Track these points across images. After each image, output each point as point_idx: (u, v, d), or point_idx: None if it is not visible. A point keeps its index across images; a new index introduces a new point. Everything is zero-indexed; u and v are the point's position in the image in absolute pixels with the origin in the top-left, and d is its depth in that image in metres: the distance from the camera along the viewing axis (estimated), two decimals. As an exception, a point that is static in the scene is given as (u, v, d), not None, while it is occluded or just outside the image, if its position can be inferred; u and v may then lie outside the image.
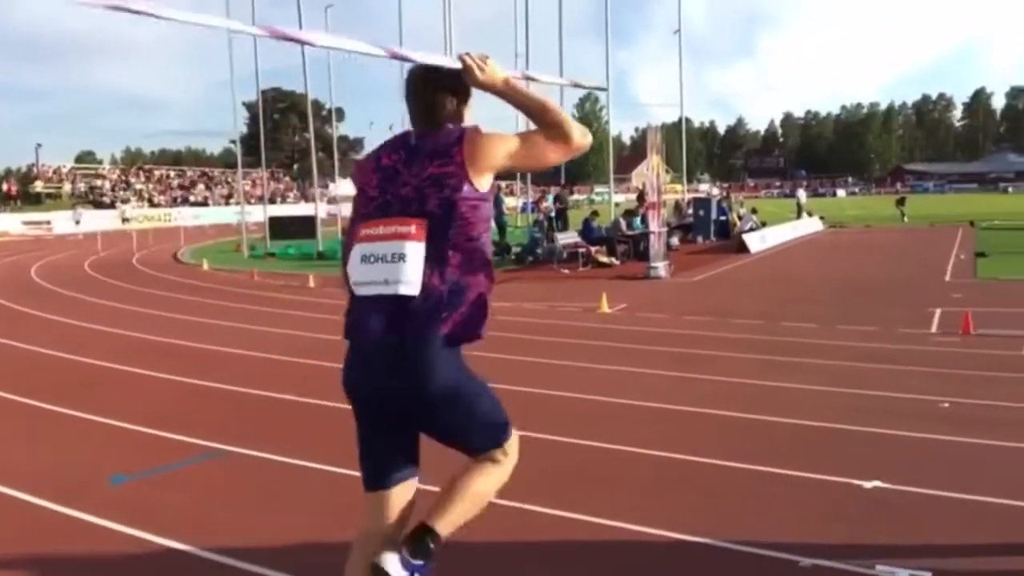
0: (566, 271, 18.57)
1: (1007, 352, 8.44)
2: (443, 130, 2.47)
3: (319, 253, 24.48)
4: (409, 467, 2.65)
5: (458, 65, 2.45)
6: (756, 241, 23.68)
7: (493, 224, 29.47)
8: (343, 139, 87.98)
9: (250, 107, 64.76)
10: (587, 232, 20.85)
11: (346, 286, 2.49)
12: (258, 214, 35.59)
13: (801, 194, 39.70)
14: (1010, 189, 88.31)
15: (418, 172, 2.39)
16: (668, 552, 3.82)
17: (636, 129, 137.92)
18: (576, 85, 3.81)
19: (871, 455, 5.12)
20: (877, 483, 4.55)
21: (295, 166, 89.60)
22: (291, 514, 4.38)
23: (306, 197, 66.31)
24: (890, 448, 5.30)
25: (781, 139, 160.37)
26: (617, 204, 27.84)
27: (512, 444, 2.65)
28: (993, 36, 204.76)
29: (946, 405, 6.31)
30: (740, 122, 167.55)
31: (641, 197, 22.46)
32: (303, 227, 28.65)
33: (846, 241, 27.12)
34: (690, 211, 28.73)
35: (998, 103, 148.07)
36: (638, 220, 21.41)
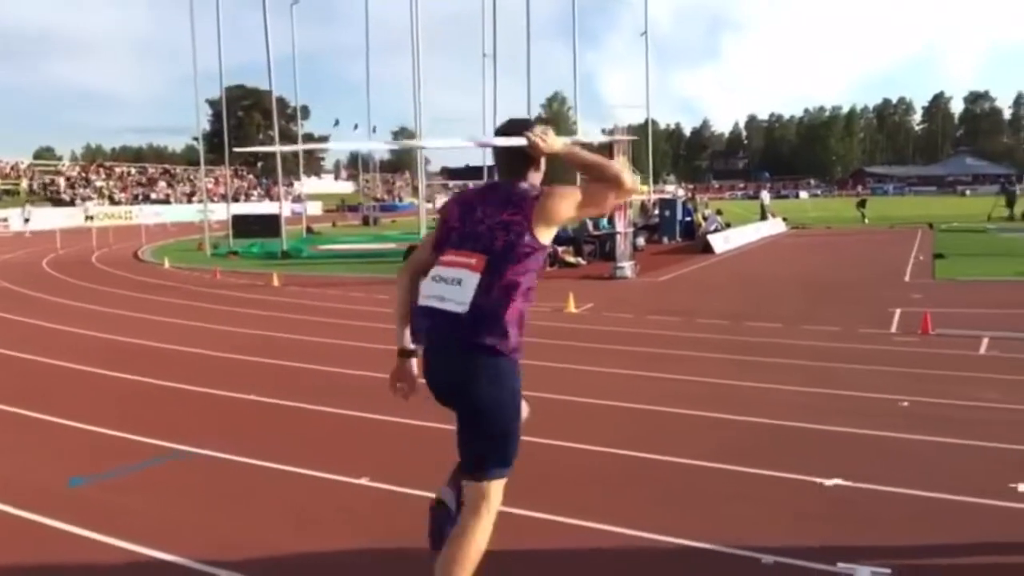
0: (533, 271, 18.59)
1: (964, 352, 8.61)
2: (520, 184, 3.02)
3: (283, 252, 24.24)
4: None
5: (525, 143, 2.99)
6: (721, 242, 23.92)
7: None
8: (308, 137, 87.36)
9: (213, 104, 64.03)
10: (554, 232, 20.89)
11: (401, 291, 3.16)
12: (221, 212, 35.17)
13: (765, 196, 40.21)
14: (967, 192, 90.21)
15: (492, 215, 2.89)
16: (632, 550, 3.83)
17: (603, 130, 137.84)
18: (612, 139, 4.15)
19: (832, 453, 5.19)
20: (838, 481, 4.61)
21: (259, 164, 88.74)
22: (253, 516, 4.32)
23: (270, 195, 65.74)
24: (851, 446, 5.37)
25: (746, 141, 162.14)
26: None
27: (499, 488, 2.97)
28: (952, 42, 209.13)
29: (905, 404, 6.41)
30: (705, 124, 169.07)
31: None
32: (267, 225, 28.32)
33: (808, 242, 27.49)
34: (656, 212, 28.96)
35: (956, 108, 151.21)
36: (604, 220, 21.51)
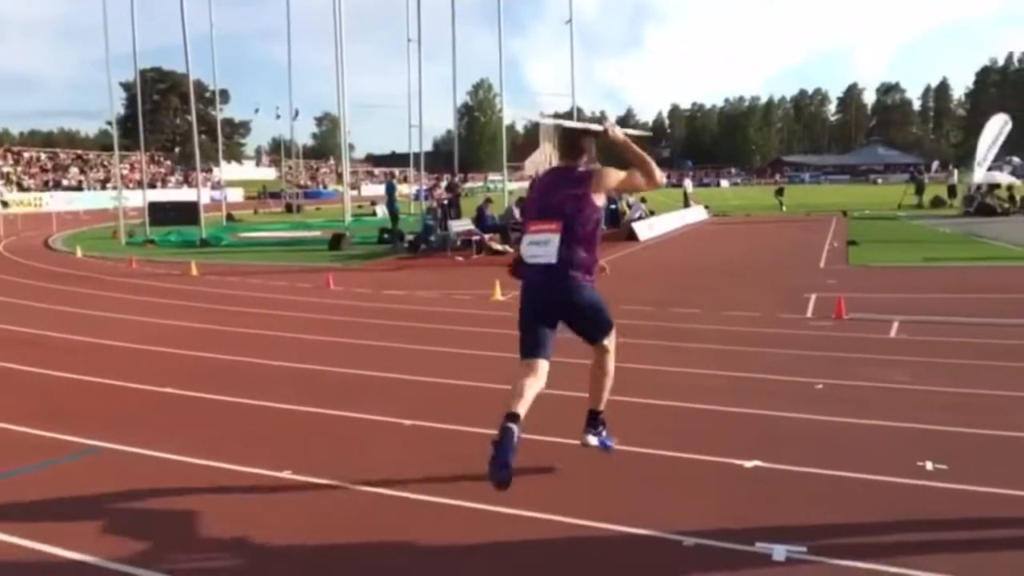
0: (460, 259, 18.54)
1: (876, 335, 8.93)
2: (578, 168, 4.34)
3: (202, 240, 23.59)
4: (548, 351, 4.37)
5: (600, 128, 4.35)
6: (645, 229, 24.27)
7: (386, 212, 29.17)
8: (227, 122, 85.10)
9: (128, 87, 61.76)
10: (481, 220, 20.86)
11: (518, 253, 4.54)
12: (137, 199, 33.91)
13: (687, 184, 40.98)
14: (879, 181, 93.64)
15: (563, 191, 4.26)
16: (553, 535, 3.85)
17: (529, 119, 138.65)
18: (639, 134, 4.90)
19: (752, 436, 5.32)
20: (757, 463, 4.73)
21: (176, 149, 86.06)
22: (169, 512, 4.19)
23: (188, 182, 63.83)
24: (769, 428, 5.52)
25: (669, 130, 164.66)
26: (511, 192, 27.98)
27: (613, 334, 4.62)
28: (864, 36, 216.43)
29: (820, 386, 6.62)
30: (630, 113, 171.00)
31: (534, 185, 22.63)
32: (185, 213, 27.51)
33: (729, 230, 28.14)
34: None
35: (869, 99, 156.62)
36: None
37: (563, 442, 5.21)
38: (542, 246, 4.21)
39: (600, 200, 4.31)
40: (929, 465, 4.65)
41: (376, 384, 7.00)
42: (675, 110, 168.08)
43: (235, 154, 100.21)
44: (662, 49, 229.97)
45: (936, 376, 6.99)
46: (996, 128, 34.70)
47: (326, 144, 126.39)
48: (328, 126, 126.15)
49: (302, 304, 12.02)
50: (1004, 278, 13.68)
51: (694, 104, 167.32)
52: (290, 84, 38.64)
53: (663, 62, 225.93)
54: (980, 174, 32.95)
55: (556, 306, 4.36)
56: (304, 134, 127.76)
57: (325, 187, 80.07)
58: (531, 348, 4.36)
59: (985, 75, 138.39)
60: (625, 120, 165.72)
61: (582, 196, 4.21)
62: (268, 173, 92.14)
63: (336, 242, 21.81)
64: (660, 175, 4.42)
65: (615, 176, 4.33)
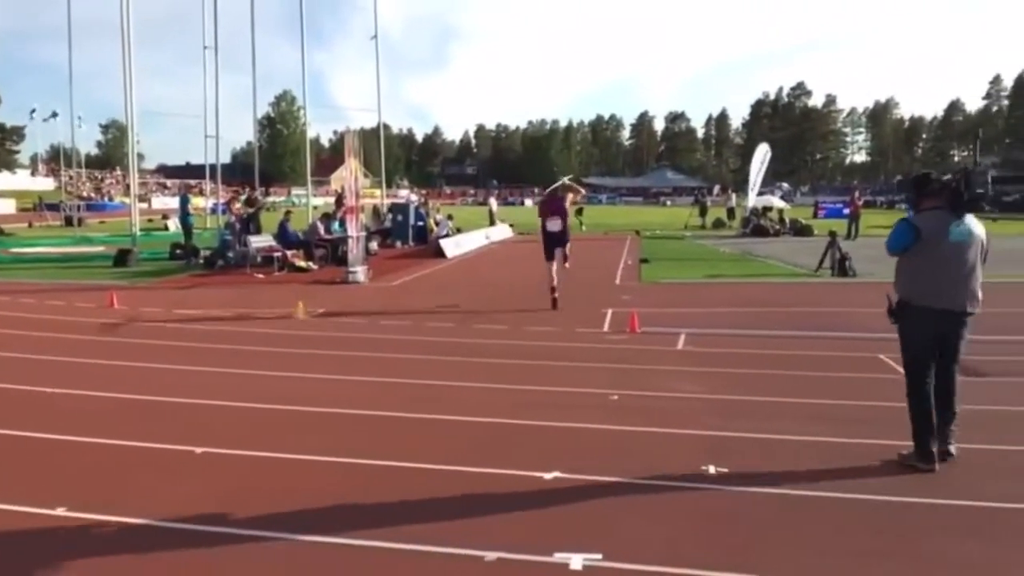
0: (260, 276, 17.80)
1: (666, 347, 9.49)
2: (564, 197, 13.93)
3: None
4: (556, 258, 13.11)
5: (577, 186, 15.89)
6: (452, 246, 24.50)
7: (179, 226, 27.48)
8: (-1, 127, 77.13)
9: None
10: (283, 235, 20.19)
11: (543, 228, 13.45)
12: None
13: (493, 202, 41.90)
14: (668, 203, 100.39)
15: (559, 204, 13.55)
16: (355, 560, 3.75)
17: (335, 132, 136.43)
18: (578, 182, 19.11)
19: (551, 447, 5.47)
20: (557, 473, 4.87)
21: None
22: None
23: (-50, 190, 57.27)
24: (568, 440, 5.70)
25: (475, 149, 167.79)
26: (316, 207, 27.32)
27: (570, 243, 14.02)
28: (654, 66, 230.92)
29: (615, 397, 6.94)
30: (437, 131, 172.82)
31: (340, 201, 22.22)
32: (-57, 225, 24.54)
33: (533, 247, 28.85)
34: (389, 216, 29.01)
35: (659, 126, 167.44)
36: (337, 224, 21.17)
37: (365, 463, 5.11)
38: (555, 224, 13.12)
39: (569, 210, 13.46)
40: (712, 469, 4.98)
41: (164, 410, 6.55)
42: (481, 130, 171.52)
43: (6, 162, 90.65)
44: (468, 69, 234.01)
45: (717, 385, 7.52)
46: (760, 156, 38.36)
47: (113, 153, 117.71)
48: (115, 134, 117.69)
49: (81, 325, 11.06)
50: (775, 293, 15.03)
51: (499, 125, 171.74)
52: (71, 87, 35.81)
53: (469, 82, 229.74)
54: (752, 198, 36.15)
55: (557, 242, 13.02)
56: (88, 142, 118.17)
57: (111, 199, 74.46)
58: (550, 256, 13.10)
59: (759, 107, 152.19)
60: (432, 138, 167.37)
61: (565, 207, 13.46)
62: (46, 183, 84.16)
63: (122, 258, 20.29)
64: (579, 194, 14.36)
65: (571, 199, 14.15)
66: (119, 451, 5.42)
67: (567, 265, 13.11)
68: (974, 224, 5.16)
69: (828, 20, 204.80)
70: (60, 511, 4.28)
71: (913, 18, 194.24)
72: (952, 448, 5.19)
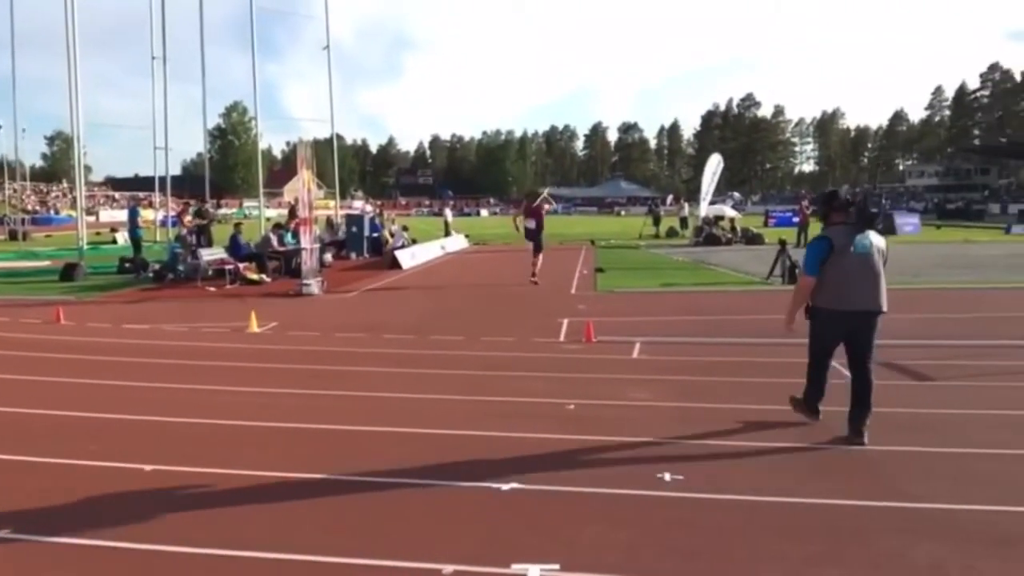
0: (212, 289, 17.52)
1: (621, 356, 9.56)
2: (538, 202, 19.54)
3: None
4: (539, 248, 18.76)
5: (549, 198, 22.68)
6: (407, 258, 24.38)
7: (128, 239, 26.92)
8: (-65, 137, 74.70)
9: None
10: (234, 248, 19.90)
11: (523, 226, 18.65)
12: None
13: (448, 213, 41.85)
14: (622, 212, 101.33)
15: (539, 208, 19.18)
16: (308, 573, 3.71)
17: (287, 143, 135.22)
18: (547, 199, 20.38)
19: (507, 458, 5.46)
20: (515, 485, 4.86)
21: None
22: None
23: None
24: (525, 450, 5.69)
25: (430, 160, 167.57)
26: (268, 219, 27.00)
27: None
28: (606, 77, 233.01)
29: (572, 407, 6.96)
30: (391, 141, 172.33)
31: (293, 212, 22.01)
32: None
33: (489, 258, 29.01)
34: (343, 228, 28.79)
35: (612, 136, 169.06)
36: (290, 236, 20.95)
37: (321, 478, 5.05)
38: (530, 223, 18.54)
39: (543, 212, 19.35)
40: (667, 476, 5.02)
41: (111, 427, 6.40)
42: (436, 140, 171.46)
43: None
44: (422, 79, 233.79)
45: (672, 393, 7.60)
46: (713, 166, 38.96)
47: (59, 166, 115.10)
48: (61, 146, 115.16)
49: (26, 342, 10.77)
50: (728, 301, 15.24)
51: (454, 135, 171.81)
52: (14, 97, 34.81)
53: (423, 92, 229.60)
54: (704, 207, 36.67)
55: (532, 236, 18.46)
56: (33, 154, 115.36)
57: (57, 212, 72.75)
58: (536, 249, 18.47)
59: (709, 118, 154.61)
60: (387, 149, 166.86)
61: (542, 215, 19.10)
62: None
63: (68, 272, 19.82)
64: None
65: (546, 208, 19.94)
66: (65, 470, 5.28)
67: (535, 281, 17.98)
68: (875, 237, 5.98)
69: (775, 32, 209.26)
70: (4, 533, 4.15)
71: (858, 30, 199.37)
72: (865, 438, 5.79)
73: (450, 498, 4.73)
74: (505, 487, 4.82)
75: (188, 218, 21.74)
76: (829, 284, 5.96)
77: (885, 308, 5.95)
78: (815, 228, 34.44)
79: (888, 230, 39.95)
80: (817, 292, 6.05)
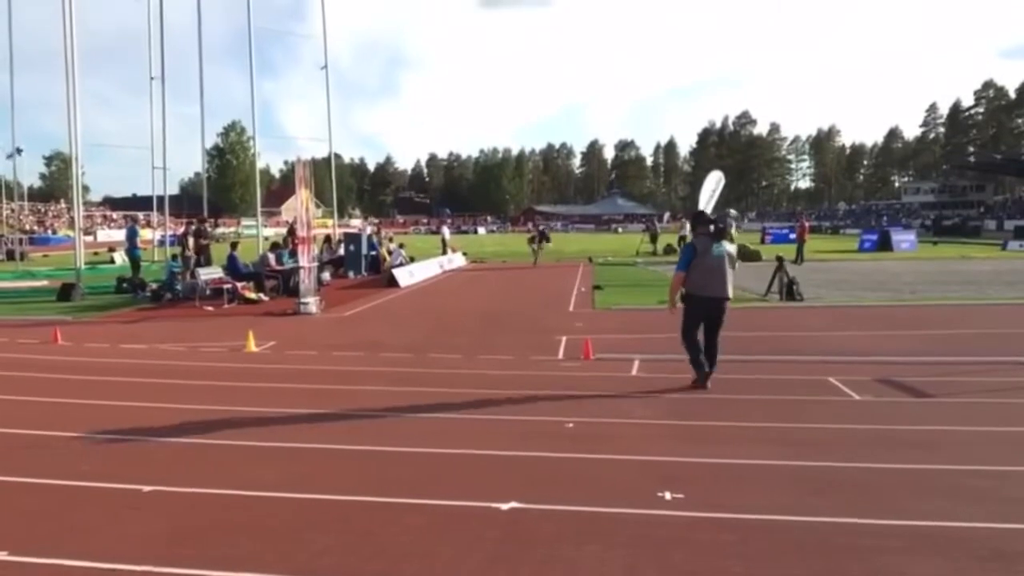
0: (210, 308, 17.51)
1: (620, 373, 9.56)
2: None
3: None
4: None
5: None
6: (405, 276, 24.40)
7: (126, 259, 27.00)
8: (-67, 158, 74.72)
9: None
10: (232, 267, 19.91)
11: None
12: None
13: (445, 231, 41.86)
14: (620, 229, 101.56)
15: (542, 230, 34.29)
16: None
17: (285, 162, 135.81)
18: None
19: (507, 477, 5.45)
20: (514, 504, 4.85)
21: None
22: None
23: None
24: (524, 469, 5.68)
25: (428, 178, 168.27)
26: (266, 238, 27.02)
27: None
28: (603, 95, 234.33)
29: (571, 425, 6.95)
30: (389, 160, 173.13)
31: (292, 231, 22.04)
32: None
33: (486, 275, 29.02)
34: (341, 246, 28.82)
35: (609, 154, 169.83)
36: (287, 255, 20.97)
37: (311, 498, 5.04)
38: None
39: None
40: (667, 495, 5.01)
41: (109, 447, 6.38)
42: (433, 159, 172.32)
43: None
44: (419, 98, 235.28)
45: (671, 410, 7.59)
46: (712, 183, 38.90)
47: (57, 185, 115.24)
48: (59, 166, 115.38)
49: (23, 362, 10.75)
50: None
51: (451, 154, 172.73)
52: (12, 118, 34.92)
53: (420, 111, 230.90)
54: (704, 224, 36.65)
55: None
56: (31, 174, 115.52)
57: (55, 232, 72.77)
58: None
59: (705, 135, 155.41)
60: (384, 167, 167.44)
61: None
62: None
63: (66, 292, 19.81)
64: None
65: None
66: (63, 491, 5.26)
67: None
68: (728, 245, 8.47)
69: (770, 50, 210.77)
70: (2, 555, 4.13)
71: (852, 48, 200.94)
72: (708, 386, 8.43)
73: (449, 517, 4.72)
74: (504, 506, 4.81)
75: (192, 240, 21.67)
76: (695, 277, 8.38)
77: (731, 295, 8.43)
78: (812, 244, 34.61)
79: (885, 247, 40.21)
80: (688, 282, 8.43)
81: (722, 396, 8.21)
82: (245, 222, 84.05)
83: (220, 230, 66.15)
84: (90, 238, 60.70)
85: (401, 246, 31.42)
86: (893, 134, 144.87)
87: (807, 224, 33.89)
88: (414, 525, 4.60)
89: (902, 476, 5.47)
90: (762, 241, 49.52)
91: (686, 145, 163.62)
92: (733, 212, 73.35)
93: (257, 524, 4.64)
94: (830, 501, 4.95)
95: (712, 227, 8.49)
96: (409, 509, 4.85)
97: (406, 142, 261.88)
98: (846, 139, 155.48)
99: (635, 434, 6.71)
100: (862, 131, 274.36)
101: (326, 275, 23.35)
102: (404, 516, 4.74)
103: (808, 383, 8.71)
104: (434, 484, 5.31)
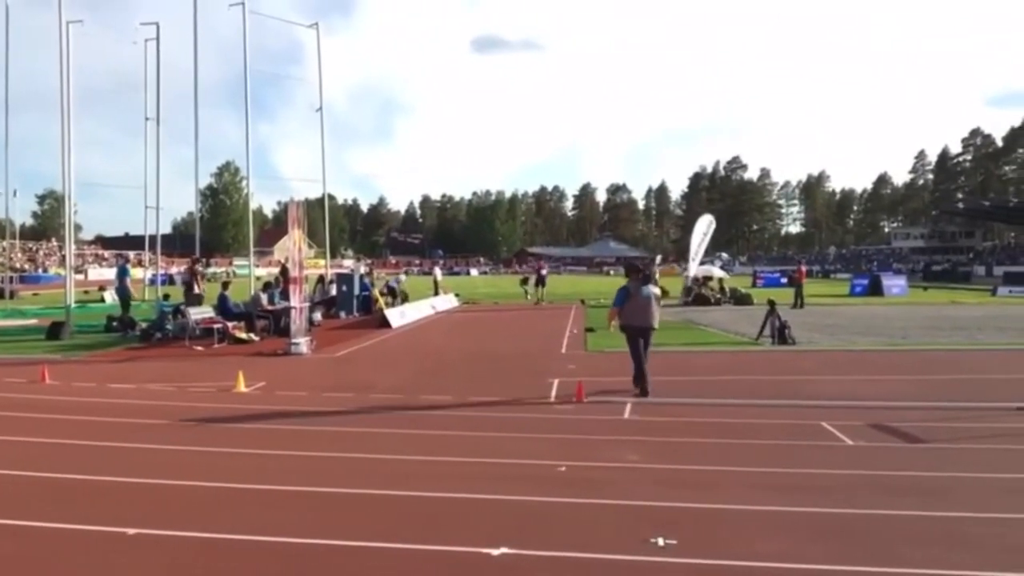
0: (200, 348, 17.39)
1: (612, 417, 9.49)
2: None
3: None
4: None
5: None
6: (397, 317, 24.34)
7: (116, 298, 26.80)
8: (-73, 195, 74.75)
9: None
10: (223, 307, 19.83)
11: None
12: None
13: (437, 272, 41.97)
14: (611, 272, 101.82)
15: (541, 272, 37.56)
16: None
17: (278, 202, 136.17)
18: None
19: (498, 522, 5.36)
20: (504, 549, 4.76)
21: None
22: None
23: None
24: (516, 514, 5.60)
25: (420, 219, 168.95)
26: (258, 277, 26.94)
27: None
28: (595, 139, 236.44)
29: (563, 468, 6.87)
30: (382, 201, 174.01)
31: (285, 271, 22.01)
32: None
33: (478, 317, 28.97)
34: (333, 286, 28.77)
35: (601, 197, 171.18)
36: (278, 295, 20.91)
37: (302, 543, 4.94)
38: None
39: None
40: (660, 541, 4.94)
41: (95, 489, 6.28)
42: (426, 200, 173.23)
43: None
44: (412, 141, 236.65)
45: (664, 454, 7.53)
46: (703, 227, 39.21)
47: (49, 224, 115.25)
48: (52, 204, 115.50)
49: (9, 402, 10.62)
50: (718, 361, 15.23)
51: (444, 196, 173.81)
52: (7, 159, 34.97)
53: (414, 153, 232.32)
54: (694, 268, 36.85)
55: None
56: (23, 212, 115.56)
57: (46, 271, 72.58)
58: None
59: (697, 180, 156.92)
60: (377, 208, 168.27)
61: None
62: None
63: (55, 331, 19.67)
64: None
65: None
66: (47, 534, 5.15)
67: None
68: (653, 288, 11.17)
69: (761, 96, 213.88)
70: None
71: (842, 95, 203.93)
72: (649, 393, 10.70)
73: (437, 563, 4.63)
74: (495, 552, 4.73)
75: (201, 277, 21.51)
76: (628, 312, 11.00)
77: (656, 326, 11.09)
78: (810, 287, 35.12)
79: (876, 291, 40.40)
80: (623, 315, 11.03)
81: (715, 440, 8.15)
82: (237, 261, 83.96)
83: (212, 269, 66.09)
84: (81, 276, 60.52)
85: (406, 273, 31.34)
86: (882, 180, 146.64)
87: (804, 269, 34.00)
88: (402, 570, 4.51)
89: (898, 523, 5.41)
90: (753, 284, 49.71)
91: (678, 189, 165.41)
92: (725, 255, 73.91)
93: (239, 571, 4.54)
94: (825, 548, 4.88)
95: (641, 274, 11.26)
96: (395, 554, 4.76)
97: (399, 184, 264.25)
98: (836, 184, 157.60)
99: (628, 478, 6.64)
100: (852, 177, 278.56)
101: (317, 315, 23.27)
102: (391, 560, 4.65)
103: (801, 428, 8.65)
104: (423, 528, 5.22)
